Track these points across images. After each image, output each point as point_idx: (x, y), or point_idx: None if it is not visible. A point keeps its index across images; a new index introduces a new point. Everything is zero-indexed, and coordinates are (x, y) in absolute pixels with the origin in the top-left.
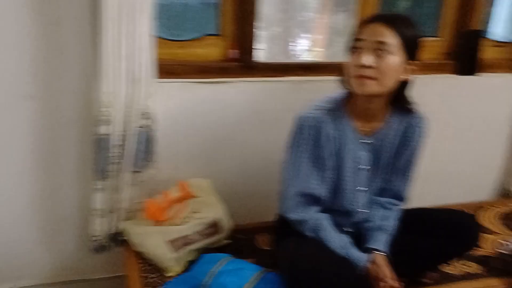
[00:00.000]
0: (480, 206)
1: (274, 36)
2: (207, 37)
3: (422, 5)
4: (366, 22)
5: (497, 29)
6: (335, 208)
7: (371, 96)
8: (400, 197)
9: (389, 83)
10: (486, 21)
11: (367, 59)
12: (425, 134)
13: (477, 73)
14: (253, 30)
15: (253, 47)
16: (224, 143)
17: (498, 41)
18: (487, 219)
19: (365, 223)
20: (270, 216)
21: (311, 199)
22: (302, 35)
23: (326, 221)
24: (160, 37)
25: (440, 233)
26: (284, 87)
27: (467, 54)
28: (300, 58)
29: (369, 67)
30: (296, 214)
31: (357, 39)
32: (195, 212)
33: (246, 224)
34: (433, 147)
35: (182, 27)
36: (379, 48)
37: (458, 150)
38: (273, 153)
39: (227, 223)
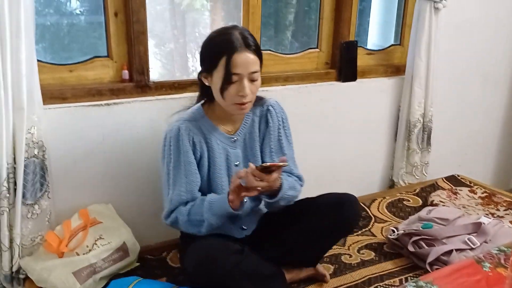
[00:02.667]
0: (373, 198)
1: (171, 53)
2: (97, 59)
3: (305, 18)
4: (231, 51)
5: (369, 39)
6: None
7: (237, 116)
8: (290, 173)
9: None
10: (359, 32)
11: (247, 89)
12: (281, 113)
13: (356, 79)
14: (145, 49)
15: (146, 66)
16: (124, 165)
17: (370, 50)
18: (378, 209)
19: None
20: (176, 234)
21: (187, 203)
22: (198, 50)
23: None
24: (46, 62)
25: (324, 214)
26: (180, 104)
27: (346, 63)
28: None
29: (248, 95)
30: (170, 217)
31: (233, 74)
32: (99, 239)
33: (155, 244)
34: (325, 149)
35: (70, 50)
36: (252, 78)
37: (348, 149)
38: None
39: (134, 246)
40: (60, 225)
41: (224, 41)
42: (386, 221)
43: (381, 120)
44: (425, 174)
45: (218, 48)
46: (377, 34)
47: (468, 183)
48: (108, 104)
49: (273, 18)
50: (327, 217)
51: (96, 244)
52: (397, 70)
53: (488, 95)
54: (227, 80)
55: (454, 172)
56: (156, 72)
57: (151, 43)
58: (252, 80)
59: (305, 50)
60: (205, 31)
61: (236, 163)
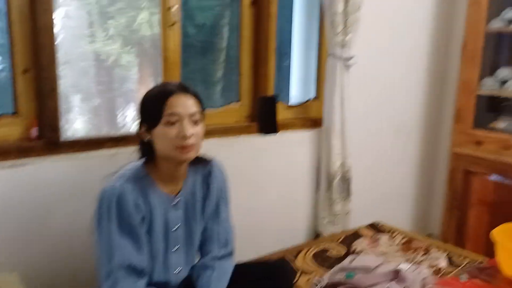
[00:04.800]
0: (299, 250)
1: (97, 108)
2: (3, 116)
3: (232, 75)
4: (169, 94)
5: (292, 94)
6: (153, 275)
7: (183, 162)
8: (224, 244)
9: (201, 147)
10: (282, 87)
11: (190, 129)
12: (222, 175)
13: (277, 132)
14: (56, 106)
15: (57, 123)
16: (32, 229)
17: (288, 104)
18: (304, 261)
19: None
20: None
21: (134, 271)
22: (127, 106)
23: None
24: None
25: (259, 283)
26: (96, 161)
27: (267, 116)
28: (128, 128)
29: (191, 136)
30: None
31: (171, 114)
32: None
33: None
34: (249, 202)
35: None
36: (193, 119)
37: (272, 201)
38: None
39: None
40: None
41: (161, 90)
42: (312, 272)
43: (302, 171)
44: (348, 223)
45: (155, 97)
46: (299, 89)
47: (388, 231)
48: (15, 165)
49: (202, 74)
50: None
51: None
52: (315, 123)
53: (401, 146)
54: (167, 122)
55: (375, 220)
56: (82, 128)
57: (76, 98)
58: (193, 122)
59: (227, 104)
60: (134, 86)
61: (174, 228)
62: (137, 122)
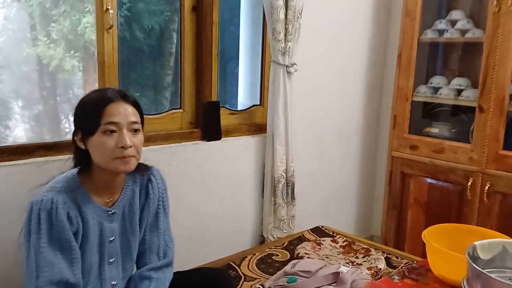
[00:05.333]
0: (243, 256)
1: (39, 115)
2: None
3: (162, 76)
4: (107, 102)
5: (238, 100)
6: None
7: (121, 173)
8: (165, 255)
9: (140, 156)
10: (227, 93)
11: (129, 139)
12: (162, 183)
13: (221, 138)
14: None
15: None
16: None
17: (233, 110)
18: (248, 267)
19: None
20: None
21: (65, 286)
22: (72, 112)
23: None
24: None
25: None
26: (25, 171)
27: (210, 122)
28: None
29: (130, 147)
30: None
31: (110, 122)
32: None
33: None
34: (192, 209)
35: None
36: (132, 128)
37: (217, 207)
38: (15, 247)
39: None
40: None
41: (98, 96)
42: (256, 278)
43: (247, 177)
44: (292, 227)
45: (92, 104)
46: (244, 95)
47: (331, 233)
48: None
49: (151, 79)
50: None
51: None
52: (260, 128)
53: (343, 150)
54: (105, 131)
55: (319, 223)
56: (24, 136)
57: (17, 105)
58: (133, 131)
59: (168, 111)
60: (79, 92)
61: (111, 239)
62: (72, 128)
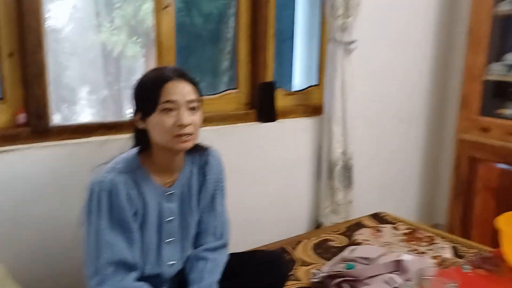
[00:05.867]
0: (298, 240)
1: (105, 99)
2: None
3: (220, 61)
4: (165, 81)
5: (294, 81)
6: (145, 268)
7: (179, 151)
8: (221, 236)
9: (199, 135)
10: (283, 74)
11: (187, 118)
12: (220, 164)
13: (276, 120)
14: (44, 92)
15: (45, 109)
16: (18, 221)
17: (288, 91)
18: (303, 252)
19: (188, 284)
20: None
21: (124, 267)
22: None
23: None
24: None
25: (252, 275)
26: (86, 149)
27: (265, 103)
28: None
29: (188, 125)
30: (110, 286)
31: (168, 101)
32: None
33: None
34: (248, 191)
35: None
36: (190, 106)
37: (272, 191)
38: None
39: None
40: None
41: (156, 75)
42: (311, 263)
43: (303, 160)
44: (350, 213)
45: (150, 83)
46: (302, 76)
47: (391, 220)
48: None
49: (209, 64)
50: (256, 279)
51: None
52: (316, 110)
53: (404, 133)
54: (163, 110)
55: (378, 210)
56: (90, 119)
57: (83, 90)
58: (191, 109)
59: (224, 91)
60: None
61: (169, 219)
62: (131, 109)
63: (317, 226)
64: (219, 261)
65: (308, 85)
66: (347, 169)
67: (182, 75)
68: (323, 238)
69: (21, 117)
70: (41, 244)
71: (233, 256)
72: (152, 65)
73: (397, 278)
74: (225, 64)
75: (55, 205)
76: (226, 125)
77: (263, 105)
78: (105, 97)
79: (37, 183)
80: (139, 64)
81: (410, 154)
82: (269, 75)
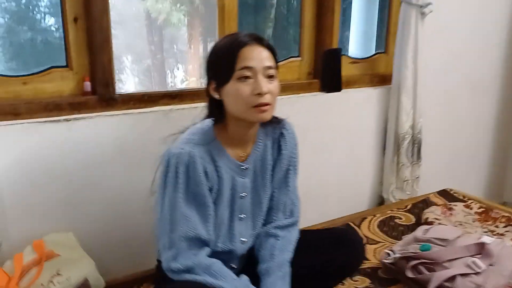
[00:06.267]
0: (363, 217)
1: (148, 69)
2: (55, 69)
3: (283, 33)
4: (240, 45)
5: (349, 49)
6: (217, 244)
7: (257, 122)
8: (291, 213)
9: (276, 105)
10: (342, 40)
11: (264, 86)
12: (294, 139)
13: (341, 90)
14: (110, 59)
15: (111, 77)
16: (86, 187)
17: (354, 58)
18: (368, 229)
19: (257, 261)
20: (148, 264)
21: (198, 242)
22: (177, 66)
23: (219, 265)
24: None
25: (328, 253)
26: (150, 118)
27: (330, 72)
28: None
29: (266, 93)
30: (183, 261)
31: (244, 67)
32: (56, 275)
33: (122, 277)
34: (309, 164)
35: (23, 59)
36: (268, 74)
37: (334, 164)
38: (144, 193)
39: (98, 282)
40: (10, 259)
41: (230, 41)
42: (378, 242)
43: (368, 132)
44: (416, 189)
45: (225, 49)
46: (357, 44)
47: (462, 198)
48: (67, 120)
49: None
50: (330, 257)
51: (52, 281)
52: (383, 79)
53: (477, 105)
54: (239, 78)
55: (445, 186)
56: (133, 88)
57: (128, 59)
58: (268, 77)
59: (286, 59)
60: (183, 47)
61: (242, 194)
62: (205, 78)
63: (381, 202)
64: (290, 238)
65: (366, 54)
66: (416, 143)
67: (258, 40)
68: (389, 215)
69: (87, 85)
70: (108, 210)
71: (305, 233)
72: (195, 34)
73: (480, 263)
74: (267, 32)
75: (120, 174)
76: (288, 95)
77: (327, 74)
78: (148, 66)
79: (103, 152)
80: (182, 33)
81: (483, 127)
82: (335, 41)
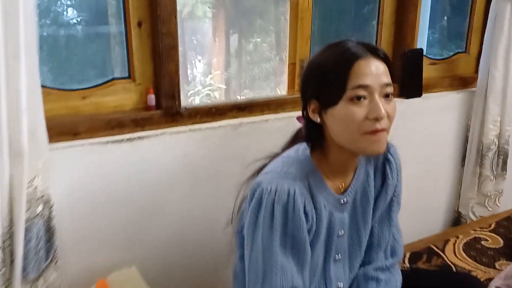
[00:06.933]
0: (446, 238)
1: None
2: (117, 81)
3: (359, 27)
4: (354, 58)
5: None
6: None
7: (370, 154)
8: (393, 252)
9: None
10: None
11: (382, 108)
12: (400, 165)
13: (421, 95)
14: (176, 68)
15: (177, 89)
16: (152, 213)
17: (433, 59)
18: (454, 253)
19: None
20: None
21: None
22: (198, 58)
23: None
24: (53, 87)
25: None
26: (219, 134)
27: (411, 76)
28: (200, 82)
29: (384, 117)
30: None
31: (359, 86)
32: None
33: None
34: None
35: (79, 71)
36: (385, 92)
37: (410, 175)
38: (216, 217)
39: None
40: None
41: (339, 52)
42: (470, 270)
43: (446, 141)
44: (498, 205)
45: (332, 63)
46: (433, 42)
47: None
48: (131, 140)
49: (326, 28)
50: None
51: None
52: (464, 82)
53: None
54: (351, 99)
55: None
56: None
57: None
58: (385, 96)
59: None
60: (204, 39)
61: (340, 233)
62: (302, 97)
63: (456, 217)
64: (394, 282)
65: (455, 51)
66: (502, 154)
67: (374, 51)
68: (473, 236)
69: (151, 98)
70: (175, 238)
71: (411, 274)
72: (220, 26)
73: None
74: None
75: (190, 194)
76: None
77: (408, 78)
78: None
79: (170, 172)
80: (203, 25)
81: None
82: (415, 40)
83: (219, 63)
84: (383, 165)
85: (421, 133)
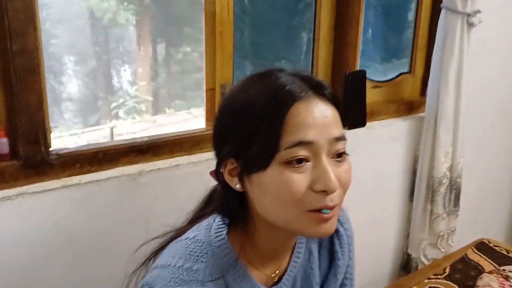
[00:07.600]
0: None
1: (93, 71)
2: None
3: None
4: (288, 103)
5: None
6: None
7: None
8: None
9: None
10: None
11: (333, 176)
12: (352, 238)
13: (365, 124)
14: (40, 99)
15: (42, 129)
16: None
17: (376, 81)
18: None
19: None
20: None
21: None
22: (124, 67)
23: None
24: None
25: None
26: (109, 188)
27: (353, 102)
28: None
29: (336, 188)
30: None
31: (299, 143)
32: None
33: None
34: None
35: None
36: (335, 151)
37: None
38: None
39: None
40: None
41: (270, 89)
42: None
43: (393, 176)
44: (451, 244)
45: (259, 107)
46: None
47: (506, 253)
48: None
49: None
50: None
51: None
52: (411, 107)
53: (507, 132)
54: (289, 162)
55: (472, 234)
56: (78, 92)
57: (71, 61)
58: (336, 156)
59: None
60: (131, 47)
61: None
62: (215, 149)
63: (406, 260)
64: None
65: (398, 73)
66: (454, 189)
67: (318, 88)
68: (427, 285)
69: (3, 143)
70: None
71: None
72: (145, 34)
73: None
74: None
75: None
76: None
77: (350, 105)
78: (93, 68)
79: (37, 246)
80: (130, 32)
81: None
82: (356, 61)
83: (145, 73)
84: (331, 241)
85: (365, 167)
